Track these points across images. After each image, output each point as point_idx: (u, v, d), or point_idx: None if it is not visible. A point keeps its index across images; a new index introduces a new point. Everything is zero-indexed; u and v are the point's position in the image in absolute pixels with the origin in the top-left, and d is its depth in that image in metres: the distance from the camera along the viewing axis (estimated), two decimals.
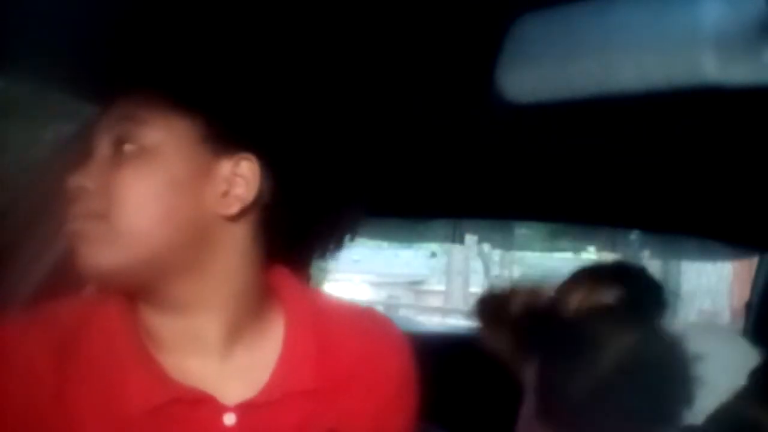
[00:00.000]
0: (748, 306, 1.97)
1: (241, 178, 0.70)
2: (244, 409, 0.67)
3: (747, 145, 1.05)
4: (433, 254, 14.52)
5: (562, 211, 1.60)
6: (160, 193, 0.66)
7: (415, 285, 16.89)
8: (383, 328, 0.80)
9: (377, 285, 15.78)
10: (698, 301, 7.56)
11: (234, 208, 0.69)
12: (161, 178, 0.67)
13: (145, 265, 0.66)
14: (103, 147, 0.68)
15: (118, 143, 0.67)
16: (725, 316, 7.22)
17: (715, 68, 0.53)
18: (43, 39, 0.73)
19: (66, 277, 0.95)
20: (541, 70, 0.62)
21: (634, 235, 1.92)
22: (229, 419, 0.67)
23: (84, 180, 0.66)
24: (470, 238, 2.02)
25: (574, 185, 1.41)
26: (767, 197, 1.29)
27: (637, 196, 1.45)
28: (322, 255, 0.79)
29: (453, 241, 1.99)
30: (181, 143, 0.68)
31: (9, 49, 0.76)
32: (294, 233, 0.74)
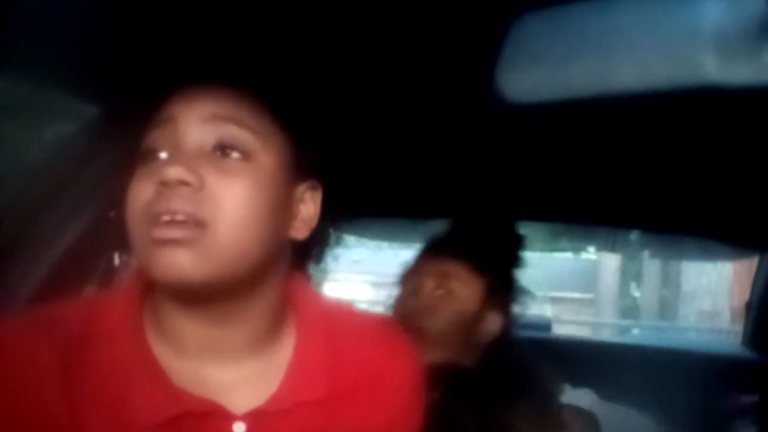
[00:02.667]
0: (748, 306, 1.97)
1: (311, 203, 0.71)
2: (254, 418, 0.66)
3: (747, 145, 1.05)
4: None
5: (562, 211, 1.60)
6: (263, 211, 0.64)
7: None
8: (394, 338, 0.80)
9: (377, 285, 15.75)
10: (698, 301, 7.57)
11: (304, 233, 0.70)
12: (265, 196, 0.64)
13: (230, 281, 0.64)
14: (197, 142, 0.64)
15: (221, 146, 0.64)
16: (725, 316, 7.22)
17: (715, 68, 0.53)
18: (43, 39, 0.73)
19: (66, 277, 0.95)
20: (542, 70, 0.62)
21: (634, 235, 1.92)
22: (239, 428, 0.66)
23: (187, 175, 0.61)
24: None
25: (574, 185, 1.41)
26: (767, 197, 1.29)
27: (637, 196, 1.45)
28: (317, 258, 0.79)
29: None
30: (278, 161, 0.67)
31: (9, 48, 0.76)
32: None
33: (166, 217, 0.60)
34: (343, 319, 0.78)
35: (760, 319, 1.90)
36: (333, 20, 0.74)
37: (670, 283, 9.15)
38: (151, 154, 0.65)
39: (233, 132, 0.64)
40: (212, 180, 0.62)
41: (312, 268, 0.80)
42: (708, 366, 1.74)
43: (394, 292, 1.22)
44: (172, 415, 0.63)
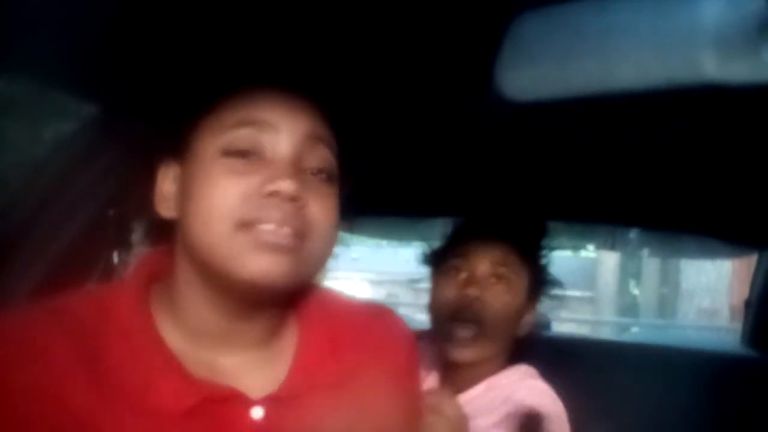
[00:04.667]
0: (748, 304, 1.97)
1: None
2: (270, 403, 0.68)
3: (747, 143, 1.05)
4: None
5: (562, 209, 1.60)
6: (337, 228, 0.71)
7: (414, 283, 16.88)
8: (390, 322, 0.83)
9: (376, 283, 15.78)
10: (697, 299, 7.58)
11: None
12: (337, 210, 0.71)
13: (298, 286, 0.70)
14: (298, 157, 0.67)
15: (318, 167, 0.69)
16: (724, 314, 7.23)
17: (714, 66, 0.53)
18: (42, 38, 0.73)
19: (65, 276, 0.95)
20: (541, 68, 0.62)
21: (633, 233, 1.92)
22: (257, 413, 0.68)
23: (301, 192, 0.65)
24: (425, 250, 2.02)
25: (573, 183, 1.41)
26: (766, 195, 1.29)
27: (636, 194, 1.45)
28: None
29: None
30: (339, 180, 0.72)
31: (9, 48, 0.76)
32: None
33: (271, 227, 0.64)
34: (340, 306, 0.80)
35: (760, 317, 1.90)
36: (336, 22, 0.74)
37: (669, 281, 9.17)
38: (240, 153, 0.66)
39: (327, 155, 0.70)
40: (313, 199, 0.67)
41: None
42: (707, 364, 1.74)
43: (424, 278, 1.20)
44: (194, 403, 0.64)
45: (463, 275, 1.12)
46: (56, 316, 0.66)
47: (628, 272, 10.86)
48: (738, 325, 2.06)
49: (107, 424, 0.62)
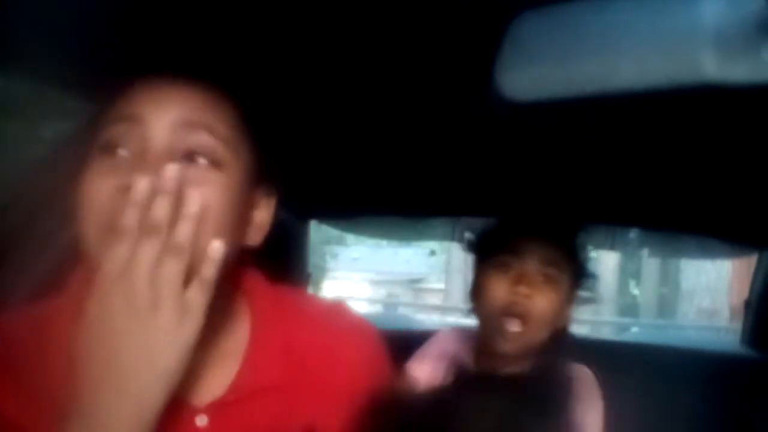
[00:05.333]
0: (747, 304, 1.97)
1: (266, 209, 0.71)
2: (215, 409, 0.67)
3: (747, 143, 1.05)
4: (433, 252, 14.54)
5: (562, 209, 1.60)
6: (228, 219, 0.64)
7: (414, 283, 16.91)
8: (350, 322, 0.81)
9: (377, 283, 15.80)
10: (697, 299, 7.58)
11: (259, 239, 0.71)
12: (230, 204, 0.65)
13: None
14: (166, 147, 0.63)
15: (190, 154, 0.64)
16: (724, 314, 7.23)
17: (714, 66, 0.53)
18: (41, 36, 0.73)
19: (64, 276, 0.95)
20: (541, 68, 0.62)
21: (633, 233, 1.92)
22: (201, 420, 0.66)
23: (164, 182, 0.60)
24: (470, 237, 2.02)
25: (572, 183, 1.41)
26: (766, 195, 1.29)
27: (636, 194, 1.45)
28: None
29: (452, 239, 1.99)
30: (243, 169, 0.67)
31: (8, 48, 0.76)
32: None
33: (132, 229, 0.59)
34: (298, 307, 0.78)
35: (759, 317, 1.90)
36: (328, 21, 0.74)
37: (669, 281, 9.17)
38: (110, 150, 0.64)
39: (204, 140, 0.64)
40: (188, 187, 0.61)
41: (311, 267, 0.80)
42: (707, 364, 1.74)
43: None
44: None
45: (513, 272, 1.15)
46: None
47: (628, 272, 10.86)
48: (738, 325, 2.05)
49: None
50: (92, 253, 0.62)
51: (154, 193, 0.58)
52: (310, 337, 0.75)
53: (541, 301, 1.13)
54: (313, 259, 1.90)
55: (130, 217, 0.58)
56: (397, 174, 1.41)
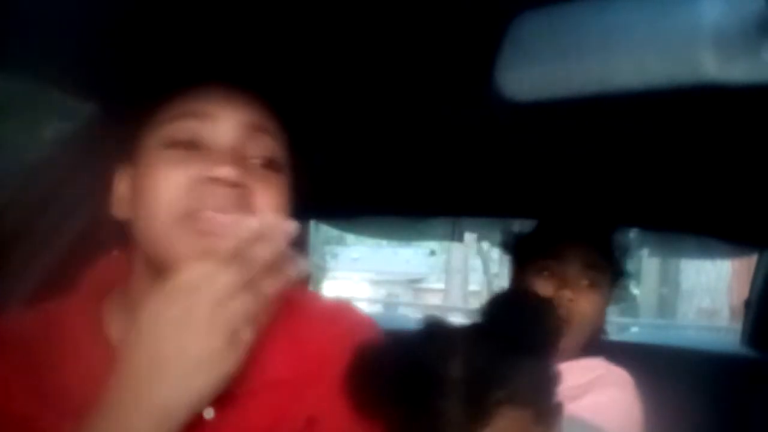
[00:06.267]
0: (747, 304, 1.97)
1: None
2: (222, 402, 0.67)
3: (746, 143, 1.05)
4: (433, 252, 14.55)
5: (561, 209, 1.60)
6: (285, 212, 0.68)
7: (414, 283, 16.93)
8: (356, 319, 0.82)
9: (377, 283, 15.81)
10: (697, 299, 7.57)
11: None
12: (285, 203, 0.69)
13: None
14: (238, 146, 0.67)
15: (259, 156, 0.68)
16: (724, 314, 7.23)
17: (714, 66, 0.53)
18: (41, 37, 0.73)
19: (64, 276, 0.95)
20: (541, 68, 0.62)
21: (632, 233, 1.92)
22: (208, 413, 0.67)
23: (242, 179, 0.65)
24: (469, 236, 2.02)
25: (572, 183, 1.41)
26: (766, 195, 1.29)
27: (636, 193, 1.45)
28: None
29: (452, 239, 1.99)
30: (288, 171, 0.71)
31: (7, 46, 0.76)
32: None
33: (211, 213, 0.63)
34: (302, 303, 0.79)
35: (759, 317, 1.90)
36: (331, 22, 0.74)
37: (669, 281, 9.16)
38: (180, 145, 0.66)
39: (269, 143, 0.69)
40: (258, 188, 0.66)
41: (311, 267, 0.81)
42: (707, 364, 1.74)
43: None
44: None
45: (555, 277, 1.18)
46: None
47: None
48: (738, 325, 2.05)
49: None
50: (162, 242, 0.64)
51: (260, 234, 0.60)
52: (317, 331, 0.76)
53: (584, 305, 1.16)
54: (313, 259, 1.90)
55: (230, 243, 0.60)
56: (397, 174, 1.41)
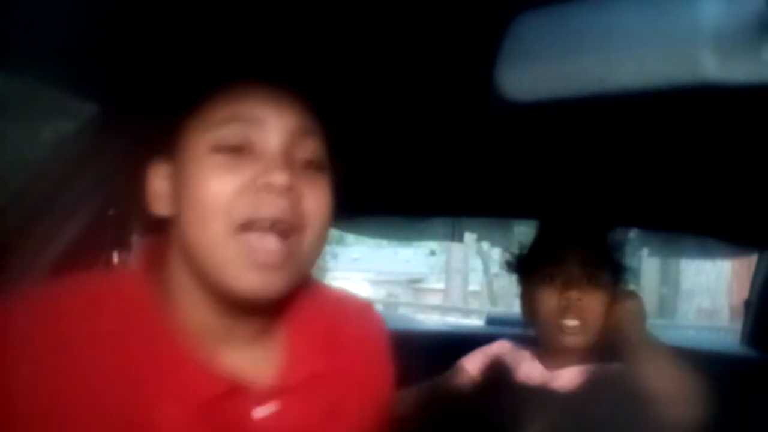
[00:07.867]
0: (747, 304, 1.97)
1: None
2: (270, 395, 0.68)
3: (746, 144, 1.05)
4: (433, 252, 14.55)
5: (561, 209, 1.60)
6: (330, 214, 0.70)
7: (414, 283, 16.92)
8: (367, 312, 0.85)
9: (376, 283, 15.80)
10: (697, 299, 7.57)
11: None
12: (330, 200, 0.70)
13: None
14: (288, 151, 0.67)
15: (308, 160, 0.68)
16: (724, 314, 7.23)
17: (714, 66, 0.53)
18: (42, 37, 0.73)
19: (65, 276, 0.95)
20: (541, 68, 0.62)
21: (632, 233, 1.92)
22: (260, 408, 0.68)
23: (294, 183, 0.65)
24: (469, 236, 2.02)
25: (572, 183, 1.41)
26: (766, 195, 1.29)
27: (636, 194, 1.45)
28: None
29: (452, 239, 1.99)
30: (329, 171, 0.71)
31: (8, 47, 0.76)
32: None
33: (267, 223, 0.63)
34: (327, 298, 0.80)
35: (759, 317, 1.90)
36: (329, 24, 0.74)
37: (669, 281, 9.15)
38: (229, 149, 0.66)
39: (316, 146, 0.69)
40: (307, 191, 0.67)
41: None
42: (707, 364, 1.74)
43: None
44: (212, 395, 0.64)
45: (559, 280, 1.25)
46: (80, 301, 0.66)
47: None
48: (737, 326, 2.05)
49: (130, 412, 0.61)
50: (211, 252, 0.64)
51: None
52: (347, 328, 0.78)
53: (590, 299, 1.23)
54: None
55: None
56: (397, 174, 1.41)
